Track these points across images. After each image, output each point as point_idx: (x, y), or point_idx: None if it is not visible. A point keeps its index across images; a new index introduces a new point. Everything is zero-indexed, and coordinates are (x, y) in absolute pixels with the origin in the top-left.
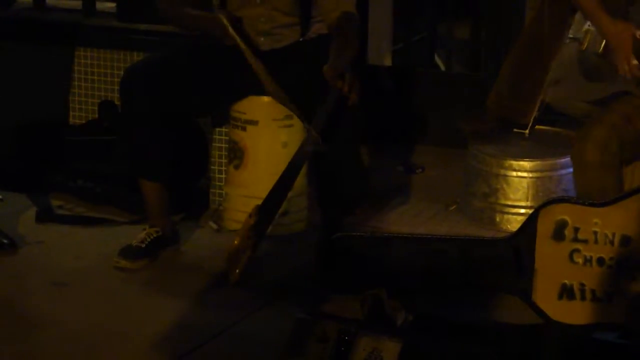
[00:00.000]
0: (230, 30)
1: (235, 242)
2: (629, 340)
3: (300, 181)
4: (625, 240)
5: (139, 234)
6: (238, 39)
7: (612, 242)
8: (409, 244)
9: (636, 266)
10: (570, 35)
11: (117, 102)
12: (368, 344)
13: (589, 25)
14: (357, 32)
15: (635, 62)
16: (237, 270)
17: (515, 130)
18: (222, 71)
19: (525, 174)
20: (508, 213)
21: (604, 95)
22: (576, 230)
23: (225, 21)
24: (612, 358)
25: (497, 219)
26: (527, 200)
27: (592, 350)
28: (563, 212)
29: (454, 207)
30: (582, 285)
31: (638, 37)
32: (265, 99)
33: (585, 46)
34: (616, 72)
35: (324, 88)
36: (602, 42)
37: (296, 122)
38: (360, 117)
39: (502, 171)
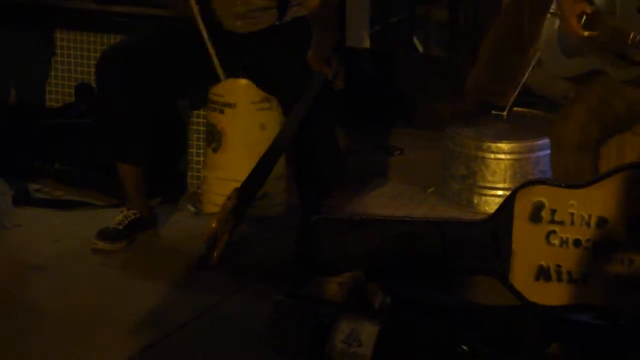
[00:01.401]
0: (193, 7)
1: (214, 225)
2: (604, 321)
3: (279, 164)
4: (602, 222)
5: (116, 217)
6: (196, 12)
7: (588, 224)
8: (387, 226)
9: (612, 248)
10: (552, 11)
11: (93, 85)
12: (347, 325)
13: None
14: (337, 17)
15: (576, 23)
16: (216, 253)
17: (493, 112)
18: (197, 53)
19: (502, 156)
20: (486, 195)
21: (583, 71)
22: (553, 212)
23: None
24: (588, 339)
25: (475, 201)
26: (505, 182)
27: (568, 331)
28: (540, 194)
29: (432, 189)
30: (559, 266)
31: (588, 11)
32: (243, 81)
33: (556, 29)
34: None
35: (303, 71)
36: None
37: (273, 104)
38: (335, 100)
39: (480, 153)
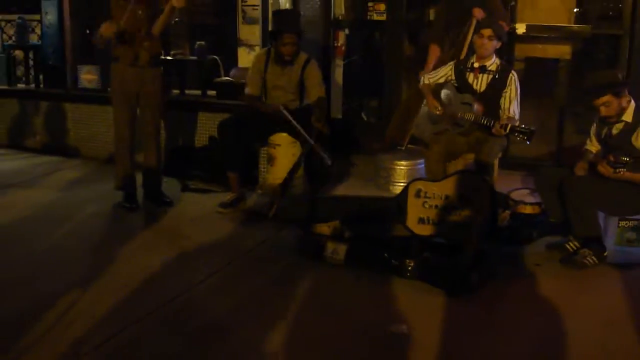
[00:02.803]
0: (285, 113)
1: (271, 198)
2: (448, 240)
3: (300, 170)
4: (446, 197)
5: (226, 196)
6: (288, 116)
7: (441, 198)
8: (352, 200)
9: (451, 208)
10: (424, 103)
11: (216, 136)
12: (331, 246)
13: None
14: (324, 105)
15: (438, 110)
16: (273, 210)
17: (398, 147)
18: (265, 123)
19: (403, 167)
20: (396, 185)
21: (439, 129)
22: (425, 193)
23: (283, 110)
24: (441, 249)
25: (391, 188)
26: (404, 180)
27: (432, 246)
28: (419, 185)
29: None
30: (428, 217)
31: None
32: (283, 134)
33: (428, 108)
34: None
35: (310, 127)
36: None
37: (297, 143)
38: (325, 139)
39: (393, 166)
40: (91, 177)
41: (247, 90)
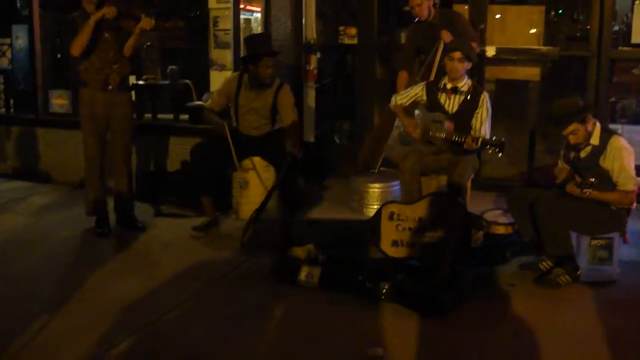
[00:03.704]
0: (227, 132)
1: (245, 222)
2: (422, 263)
3: (275, 194)
4: (420, 219)
5: (199, 220)
6: (229, 137)
7: (414, 220)
8: (326, 223)
9: (423, 230)
10: (396, 124)
11: (189, 160)
12: (306, 269)
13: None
14: (298, 129)
15: (418, 132)
16: (247, 234)
17: (371, 170)
18: (238, 147)
19: (376, 190)
20: (370, 208)
21: (407, 150)
22: (398, 215)
23: (226, 129)
24: (415, 271)
25: (364, 210)
26: (378, 202)
27: (407, 268)
28: (393, 207)
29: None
30: (402, 240)
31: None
32: (257, 158)
33: (400, 130)
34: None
35: (283, 151)
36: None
37: (270, 167)
38: (298, 165)
39: (366, 188)
40: (63, 202)
41: (207, 103)
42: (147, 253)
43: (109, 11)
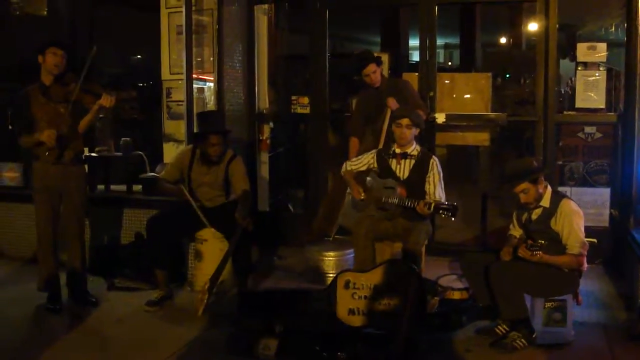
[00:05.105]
0: (186, 194)
1: (200, 294)
2: (379, 331)
3: (229, 264)
4: (375, 287)
5: (154, 294)
6: (190, 198)
7: (370, 288)
8: (282, 292)
9: (379, 297)
10: (348, 191)
11: (144, 233)
12: (263, 341)
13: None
14: (250, 199)
15: (362, 195)
16: (202, 307)
17: (325, 238)
18: (192, 218)
19: (331, 258)
20: (327, 276)
21: (361, 216)
22: (354, 283)
23: (185, 191)
24: (372, 340)
25: (320, 280)
26: (333, 270)
27: (364, 336)
28: (348, 276)
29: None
30: (358, 308)
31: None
32: (211, 229)
33: (352, 196)
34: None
35: (234, 222)
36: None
37: (224, 238)
38: (249, 235)
39: (321, 257)
40: (14, 277)
41: (161, 174)
42: (101, 329)
43: (108, 101)
